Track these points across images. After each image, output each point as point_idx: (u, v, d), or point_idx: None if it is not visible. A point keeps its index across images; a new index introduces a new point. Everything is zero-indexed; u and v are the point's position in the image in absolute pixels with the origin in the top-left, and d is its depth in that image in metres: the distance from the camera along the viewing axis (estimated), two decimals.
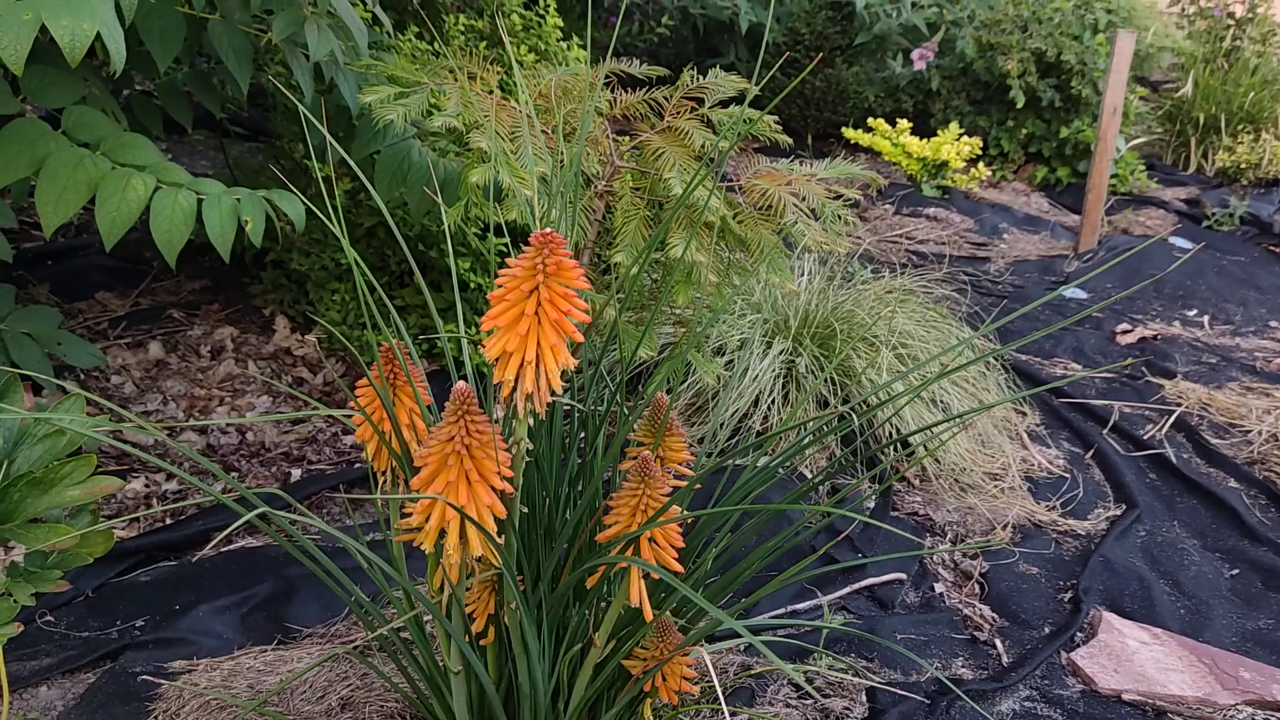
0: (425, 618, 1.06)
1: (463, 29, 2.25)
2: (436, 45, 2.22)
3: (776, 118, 1.55)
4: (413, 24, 2.33)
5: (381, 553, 1.38)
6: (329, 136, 1.06)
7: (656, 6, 4.28)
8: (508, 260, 0.79)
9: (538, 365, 0.78)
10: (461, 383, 0.78)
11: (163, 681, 1.20)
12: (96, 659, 1.26)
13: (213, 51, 1.77)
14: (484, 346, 0.80)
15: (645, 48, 4.64)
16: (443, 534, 0.80)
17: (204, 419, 1.94)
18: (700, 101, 1.57)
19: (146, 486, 1.71)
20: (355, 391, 0.96)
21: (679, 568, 0.88)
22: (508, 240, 2.01)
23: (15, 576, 1.04)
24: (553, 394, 0.80)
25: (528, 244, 0.78)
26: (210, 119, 2.37)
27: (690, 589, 1.00)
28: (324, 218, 1.01)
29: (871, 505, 1.80)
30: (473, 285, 2.12)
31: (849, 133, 3.66)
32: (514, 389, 0.80)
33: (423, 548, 0.82)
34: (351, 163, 0.99)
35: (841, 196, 1.57)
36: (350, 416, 1.01)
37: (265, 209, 1.43)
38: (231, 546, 1.54)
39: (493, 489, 0.79)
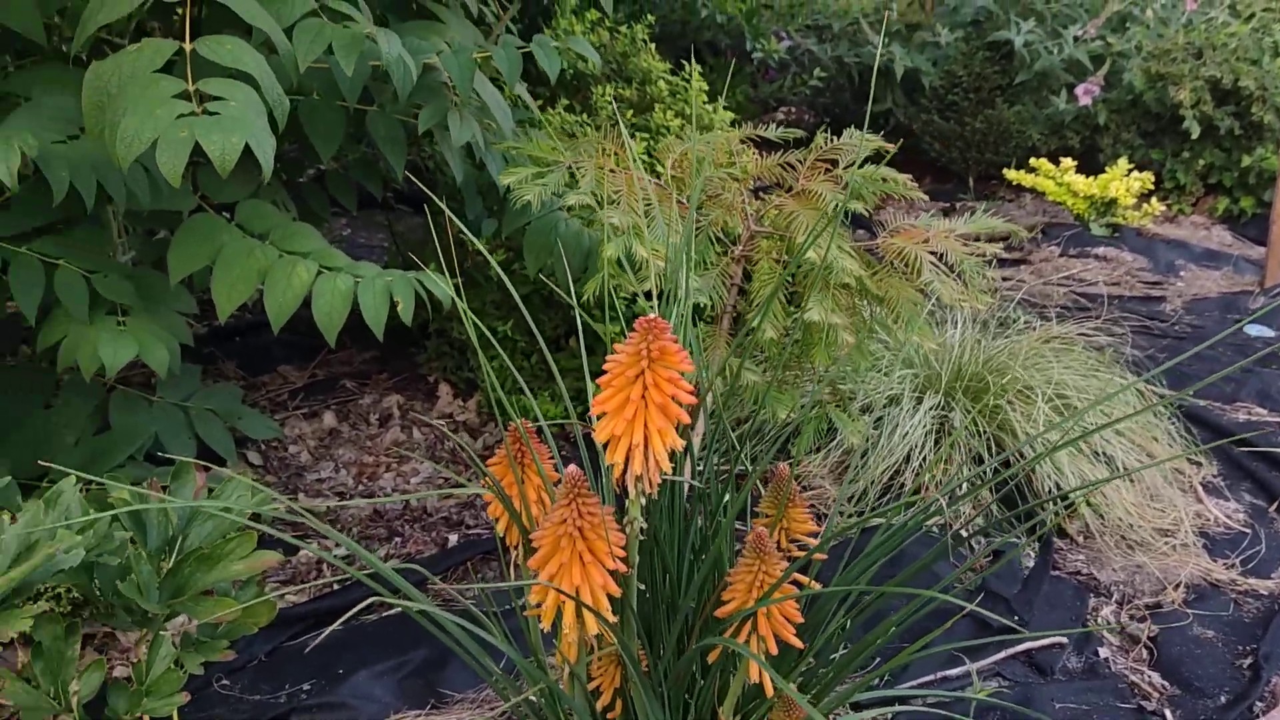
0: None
1: (610, 99, 2.32)
2: (583, 116, 2.30)
3: (911, 176, 1.54)
4: (563, 95, 2.42)
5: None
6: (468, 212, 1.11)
7: (812, 58, 4.30)
8: (615, 345, 0.82)
9: (646, 448, 0.80)
10: (573, 466, 0.81)
11: None
12: None
13: (371, 138, 1.88)
14: (595, 431, 0.82)
15: (800, 99, 4.66)
16: (560, 614, 0.83)
17: (371, 484, 2.05)
18: (835, 163, 1.57)
19: (320, 550, 1.81)
20: (487, 465, 1.01)
21: (798, 643, 0.87)
22: (655, 304, 2.05)
23: (187, 647, 1.12)
24: (664, 475, 0.82)
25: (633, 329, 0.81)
26: (371, 200, 2.52)
27: (810, 663, 0.99)
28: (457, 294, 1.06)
29: (1030, 564, 1.73)
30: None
31: (1011, 174, 3.57)
32: (624, 471, 0.82)
33: (542, 626, 0.85)
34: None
35: (987, 251, 1.54)
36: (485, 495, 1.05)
37: (415, 289, 1.52)
38: (392, 612, 1.61)
39: (606, 569, 0.81)
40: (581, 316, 2.15)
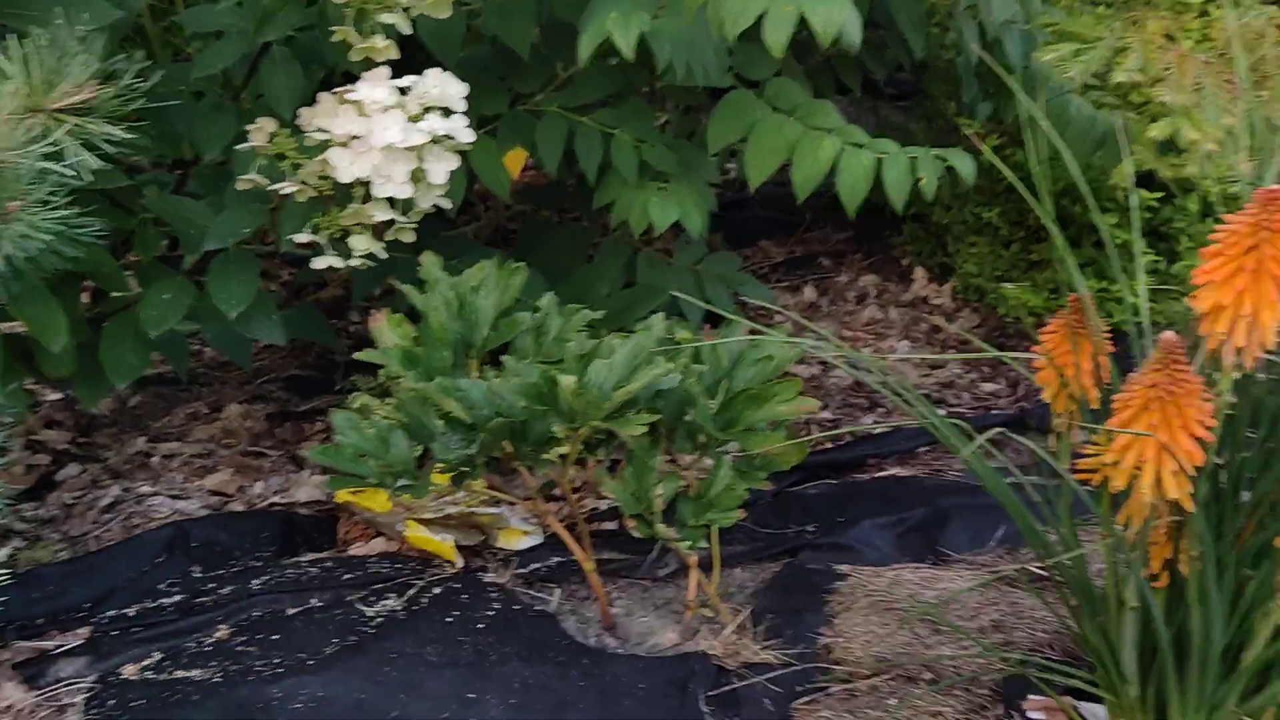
0: (1089, 556, 1.11)
1: None
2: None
3: None
4: None
5: (1022, 496, 1.45)
6: (1024, 98, 1.13)
7: None
8: (1225, 217, 0.82)
9: (1253, 321, 0.80)
10: (1169, 333, 0.83)
11: (836, 580, 1.38)
12: (778, 553, 1.49)
13: (883, 19, 1.92)
14: (1193, 299, 0.83)
15: None
16: (1138, 475, 0.86)
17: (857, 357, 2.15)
18: None
19: (805, 415, 1.95)
20: (1041, 334, 1.04)
21: None
22: (1160, 195, 1.95)
23: (737, 472, 1.27)
24: (1266, 351, 0.81)
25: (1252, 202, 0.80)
26: (866, 82, 2.57)
27: None
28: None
29: None
30: (1118, 241, 2.08)
31: None
32: (1222, 343, 0.82)
33: (1113, 486, 0.88)
34: (1035, 112, 1.06)
35: None
36: (1027, 362, 1.09)
37: (938, 166, 1.55)
38: (883, 473, 1.70)
39: (1194, 436, 0.83)
40: (1063, 207, 2.09)
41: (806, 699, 1.18)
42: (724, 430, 1.26)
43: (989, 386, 2.01)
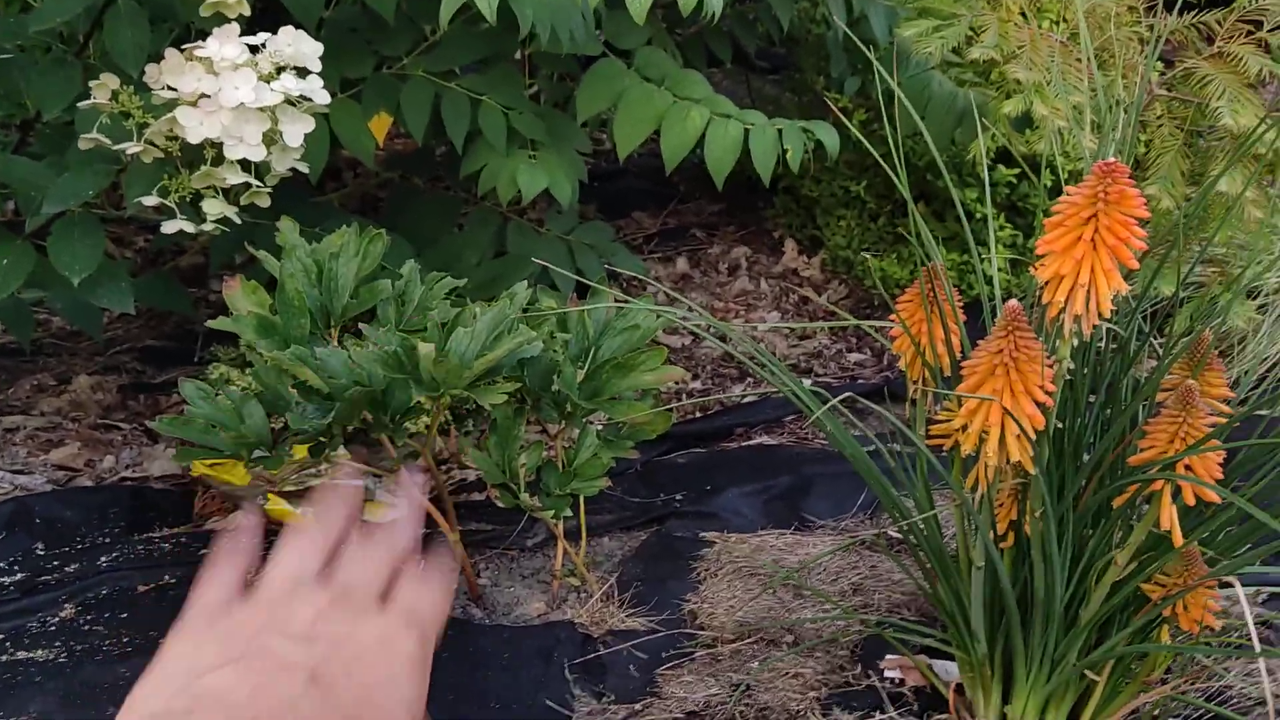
0: (943, 519, 1.15)
1: None
2: None
3: None
4: None
5: (881, 463, 1.49)
6: (880, 69, 1.15)
7: None
8: (1066, 188, 0.84)
9: (1091, 289, 0.83)
10: (1013, 301, 0.85)
11: (703, 547, 1.40)
12: (646, 522, 1.49)
13: None
14: (1035, 269, 0.86)
15: None
16: (983, 439, 0.88)
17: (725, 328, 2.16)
18: (1259, 25, 1.47)
19: (676, 385, 1.96)
20: (896, 304, 1.06)
21: (1216, 498, 0.89)
22: (1019, 171, 2.01)
23: (603, 441, 1.27)
24: (1102, 319, 0.85)
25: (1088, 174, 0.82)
26: (739, 55, 2.58)
27: (1210, 529, 1.00)
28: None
29: None
30: (978, 215, 2.14)
31: None
32: (1062, 310, 0.85)
33: (961, 449, 0.91)
34: (896, 88, 1.08)
35: None
36: (881, 331, 1.11)
37: (804, 138, 1.57)
38: (751, 442, 1.72)
39: (1035, 401, 0.86)
40: (928, 181, 2.14)
41: (671, 664, 1.19)
42: (590, 399, 1.25)
43: (855, 357, 2.05)
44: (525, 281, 1.21)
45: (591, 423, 1.25)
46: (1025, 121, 1.56)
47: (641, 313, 1.38)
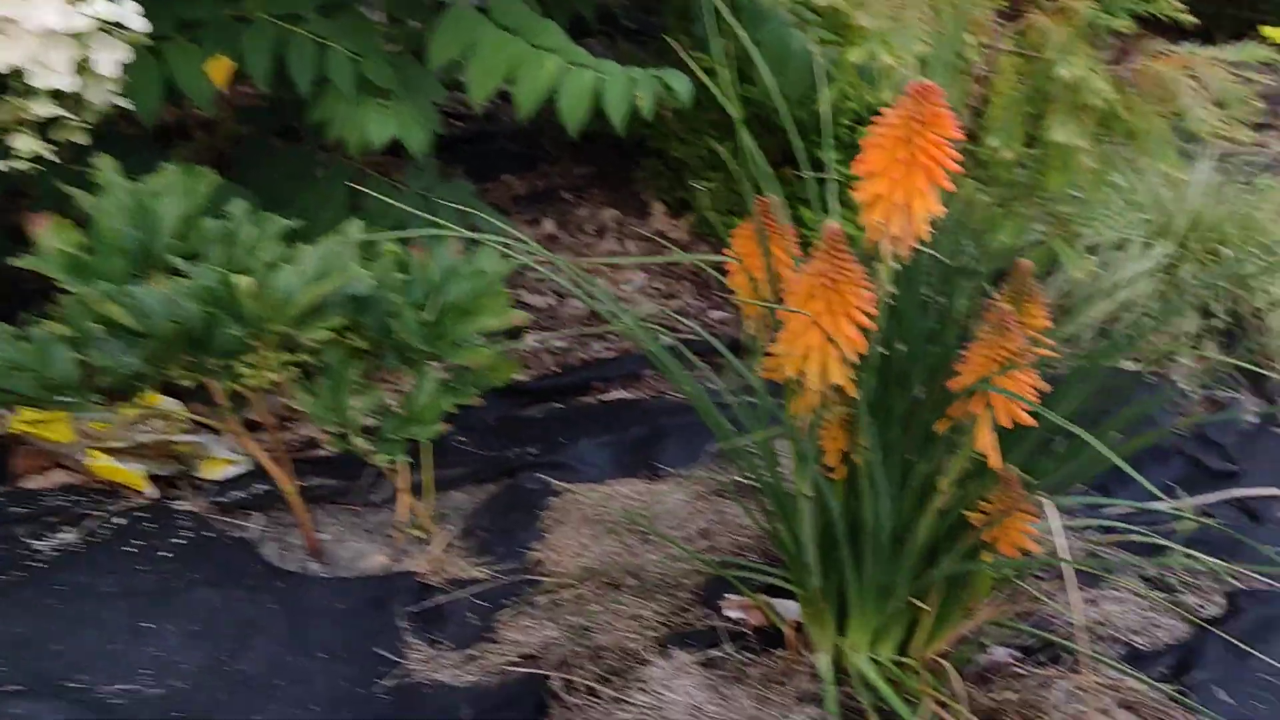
0: (782, 457, 1.15)
1: None
2: None
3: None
4: None
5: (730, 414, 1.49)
6: (733, 20, 1.14)
7: None
8: (882, 110, 0.85)
9: (906, 210, 0.83)
10: (833, 223, 0.85)
11: (552, 496, 1.38)
12: (498, 474, 1.47)
13: None
14: (855, 189, 0.86)
15: None
16: (806, 363, 0.88)
17: (589, 286, 2.14)
18: None
19: (538, 343, 1.93)
20: (731, 237, 1.06)
21: (1031, 420, 0.90)
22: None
23: (448, 388, 1.24)
24: (920, 242, 0.85)
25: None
26: (605, 15, 2.56)
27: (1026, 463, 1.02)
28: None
29: (1256, 423, 1.69)
30: (840, 177, 2.16)
31: (1268, 30, 3.29)
32: (881, 233, 0.85)
33: (785, 374, 0.90)
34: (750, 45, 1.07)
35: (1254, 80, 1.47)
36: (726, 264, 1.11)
37: (655, 86, 1.56)
38: (608, 396, 1.71)
39: (856, 324, 0.86)
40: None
41: (511, 611, 1.17)
42: (432, 344, 1.22)
43: (717, 314, 2.06)
44: (357, 219, 1.17)
45: (433, 367, 1.21)
46: (873, 75, 1.57)
47: (489, 258, 1.35)
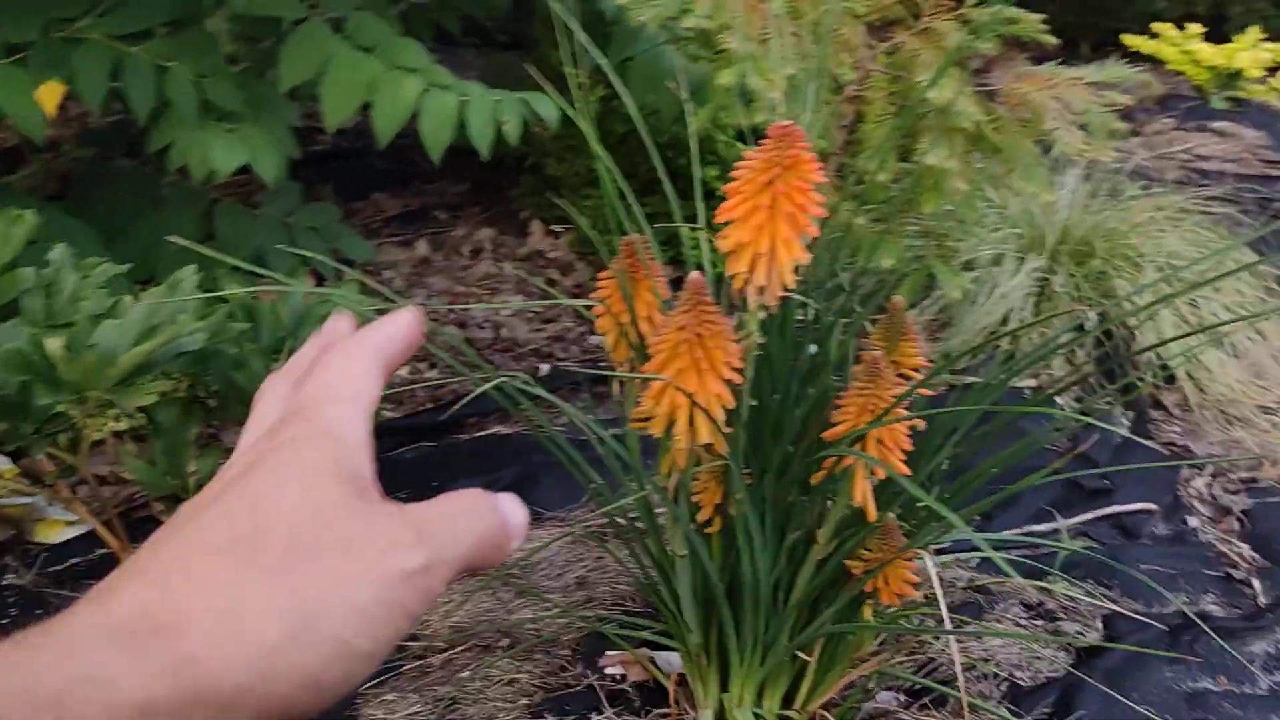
0: (658, 509, 1.10)
1: None
2: None
3: (1044, 16, 1.46)
4: None
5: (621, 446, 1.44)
6: (583, 35, 1.09)
7: None
8: (745, 153, 0.80)
9: (771, 258, 0.79)
10: (696, 273, 0.80)
11: None
12: None
13: None
14: (719, 239, 0.81)
15: None
16: (673, 422, 0.83)
17: (463, 314, 2.07)
18: (962, 1, 1.50)
19: (411, 374, 1.85)
20: (596, 281, 1.00)
21: (905, 470, 0.87)
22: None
23: None
24: (786, 290, 0.81)
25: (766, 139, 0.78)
26: (478, 28, 2.48)
27: (906, 502, 1.00)
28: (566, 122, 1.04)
29: (1124, 433, 1.71)
30: (719, 194, 2.13)
31: (1129, 39, 3.39)
32: (746, 282, 0.81)
33: (653, 433, 0.85)
34: (606, 66, 1.02)
35: (1119, 107, 1.47)
36: (593, 308, 1.05)
37: (521, 110, 1.50)
38: (484, 432, 1.64)
39: (722, 379, 0.81)
40: (670, 159, 2.12)
41: (374, 681, 1.10)
42: None
43: (596, 339, 2.00)
44: (193, 265, 1.08)
45: None
46: (746, 96, 1.54)
47: (347, 299, 1.27)
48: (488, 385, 0.88)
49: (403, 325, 0.38)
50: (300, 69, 1.51)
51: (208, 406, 1.10)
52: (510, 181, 2.54)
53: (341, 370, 0.36)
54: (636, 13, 1.44)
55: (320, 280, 1.93)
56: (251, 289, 1.20)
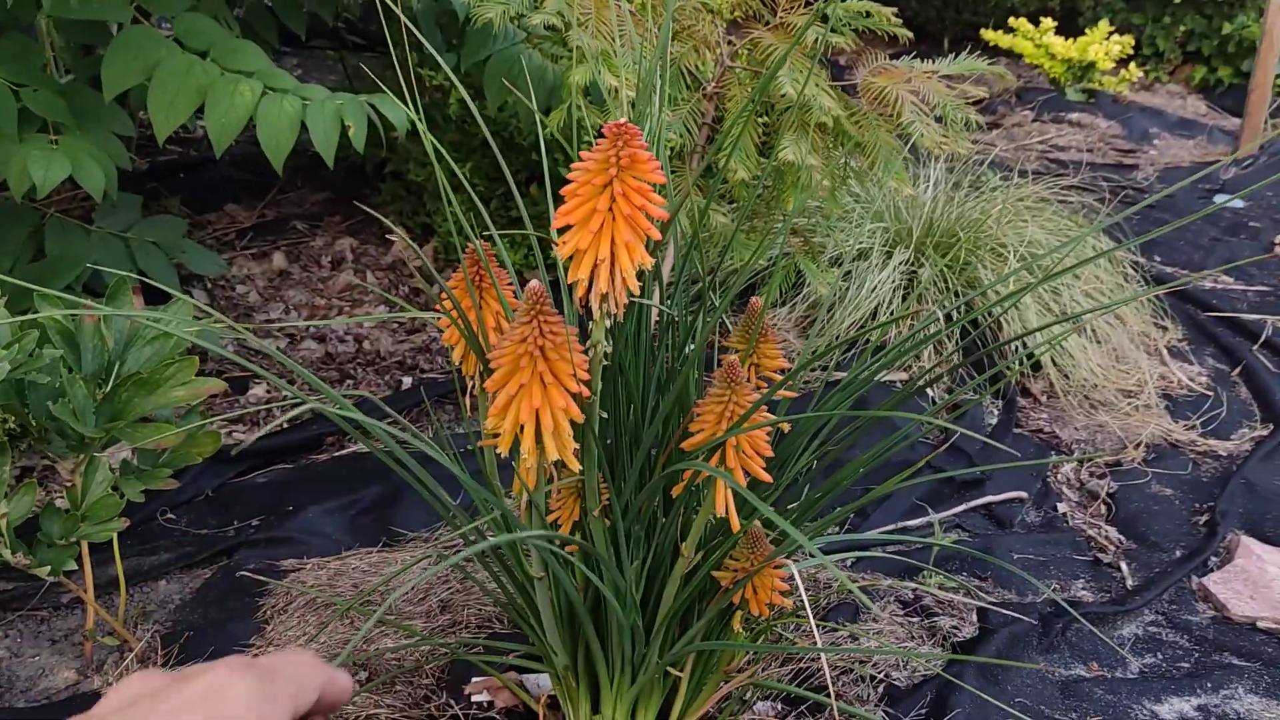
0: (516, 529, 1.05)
1: None
2: None
3: (895, 10, 1.46)
4: None
5: (471, 464, 1.39)
6: (426, 42, 1.03)
7: None
8: (581, 154, 0.76)
9: (612, 264, 0.75)
10: (535, 281, 0.76)
11: (272, 580, 1.23)
12: (212, 555, 1.30)
13: None
14: (557, 246, 0.77)
15: None
16: (519, 439, 0.78)
17: (323, 327, 1.98)
18: None
19: (268, 392, 1.76)
20: (442, 294, 0.95)
21: (766, 477, 0.84)
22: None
23: (126, 474, 1.07)
24: (632, 296, 0.77)
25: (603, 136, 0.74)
26: (331, 31, 2.38)
27: (773, 506, 0.97)
28: (417, 130, 0.99)
29: (994, 422, 1.72)
30: None
31: (988, 34, 3.47)
32: (589, 289, 0.76)
33: (500, 452, 0.80)
34: (448, 69, 0.96)
35: (973, 99, 1.48)
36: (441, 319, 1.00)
37: (367, 113, 1.43)
38: (344, 451, 1.57)
39: (569, 392, 0.77)
40: (536, 160, 2.07)
41: None
42: (108, 423, 1.05)
43: None
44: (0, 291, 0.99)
45: (101, 456, 1.04)
46: (600, 92, 1.50)
47: (178, 317, 1.19)
48: (305, 406, 0.82)
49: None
50: (126, 75, 1.41)
51: (20, 442, 1.01)
52: (372, 189, 2.46)
53: None
54: (482, 10, 1.39)
55: (165, 299, 1.83)
56: (71, 311, 1.11)
